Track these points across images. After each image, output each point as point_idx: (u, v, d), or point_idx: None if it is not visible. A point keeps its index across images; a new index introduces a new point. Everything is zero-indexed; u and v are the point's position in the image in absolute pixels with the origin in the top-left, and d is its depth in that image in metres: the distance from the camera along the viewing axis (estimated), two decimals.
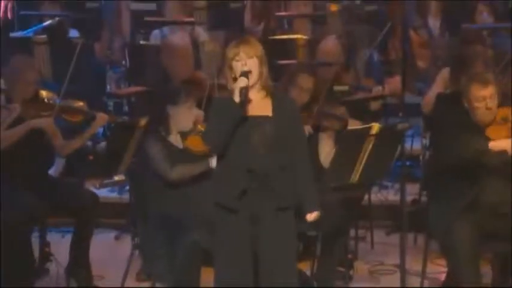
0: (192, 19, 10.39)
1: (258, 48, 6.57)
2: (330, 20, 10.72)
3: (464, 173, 7.56)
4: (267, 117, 6.54)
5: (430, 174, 8.24)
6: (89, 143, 9.14)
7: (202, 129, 7.40)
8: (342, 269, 8.25)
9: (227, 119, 6.49)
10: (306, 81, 8.04)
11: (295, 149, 6.68)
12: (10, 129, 8.06)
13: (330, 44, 9.69)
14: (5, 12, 11.21)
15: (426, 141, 8.82)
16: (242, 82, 6.35)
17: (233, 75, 6.48)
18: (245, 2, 11.03)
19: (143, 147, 7.92)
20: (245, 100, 6.40)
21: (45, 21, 10.44)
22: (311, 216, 6.67)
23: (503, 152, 7.38)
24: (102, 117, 8.81)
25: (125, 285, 7.86)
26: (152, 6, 11.14)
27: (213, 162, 7.04)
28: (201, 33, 10.27)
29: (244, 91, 6.36)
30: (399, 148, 8.23)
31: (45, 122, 8.20)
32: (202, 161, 7.63)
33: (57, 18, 10.47)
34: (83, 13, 10.72)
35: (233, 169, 6.57)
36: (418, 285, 7.85)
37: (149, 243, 7.94)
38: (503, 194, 7.49)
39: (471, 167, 7.51)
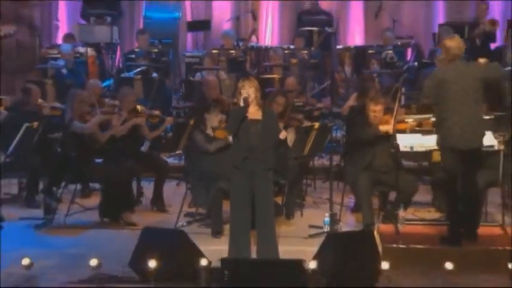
0: (218, 67, 10.33)
1: (255, 83, 6.63)
2: (291, 67, 10.64)
3: (362, 150, 7.57)
4: (259, 120, 6.56)
5: (345, 150, 8.23)
6: (163, 133, 9.08)
7: (224, 126, 7.41)
8: (298, 201, 8.24)
9: (237, 115, 6.54)
10: (280, 100, 8.02)
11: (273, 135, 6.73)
12: (122, 125, 8.08)
13: (291, 81, 9.67)
14: (118, 62, 11.13)
15: (343, 132, 8.78)
16: (244, 95, 6.47)
17: (242, 97, 6.52)
18: (246, 57, 10.92)
19: (192, 136, 7.91)
20: (246, 105, 6.48)
21: (139, 68, 10.36)
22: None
23: (385, 133, 7.46)
24: (169, 120, 8.84)
25: (182, 210, 7.82)
26: (196, 59, 11.07)
27: (230, 139, 6.99)
28: (223, 74, 10.21)
29: (246, 100, 6.45)
30: (329, 136, 8.23)
31: (141, 121, 8.19)
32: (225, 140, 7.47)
33: (145, 67, 10.41)
34: (159, 63, 10.63)
35: (240, 147, 6.59)
36: (339, 210, 7.80)
37: (195, 187, 7.95)
38: (385, 160, 7.51)
39: (366, 147, 7.53)
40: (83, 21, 11.24)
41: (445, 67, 6.92)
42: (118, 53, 11.45)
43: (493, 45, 11.08)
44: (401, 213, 7.33)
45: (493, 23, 10.90)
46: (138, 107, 8.53)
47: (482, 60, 8.79)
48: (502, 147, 7.28)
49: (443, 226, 7.10)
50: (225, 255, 6.61)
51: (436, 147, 7.23)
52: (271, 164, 6.72)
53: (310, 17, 11.44)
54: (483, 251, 6.83)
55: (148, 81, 9.98)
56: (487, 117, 7.14)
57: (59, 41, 11.38)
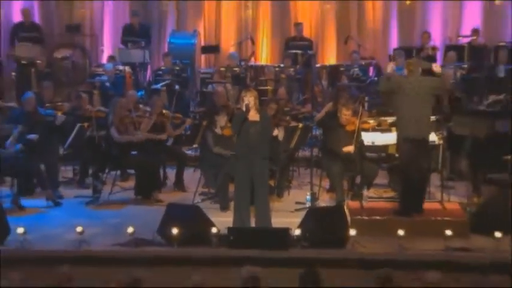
0: (225, 81, 10.23)
1: (254, 93, 6.63)
2: (281, 81, 10.52)
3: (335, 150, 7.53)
4: (257, 121, 6.51)
5: (322, 145, 8.10)
6: (183, 132, 8.99)
7: (229, 125, 7.38)
8: (286, 183, 8.18)
9: (240, 118, 6.50)
10: (273, 106, 7.95)
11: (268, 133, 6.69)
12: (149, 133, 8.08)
13: (281, 91, 9.57)
14: (149, 77, 11.06)
15: (320, 131, 8.67)
16: (246, 102, 6.41)
17: (244, 103, 6.48)
18: (247, 73, 10.81)
19: (204, 135, 7.86)
20: (247, 110, 6.45)
21: (165, 81, 10.31)
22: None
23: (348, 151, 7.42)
24: (188, 121, 8.76)
25: (197, 190, 7.83)
26: (208, 75, 10.96)
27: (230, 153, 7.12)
28: (229, 86, 10.06)
29: (247, 106, 6.41)
30: (310, 133, 8.23)
31: (163, 137, 8.25)
32: (229, 149, 7.35)
33: (169, 81, 10.37)
34: (180, 78, 10.54)
35: (242, 143, 6.54)
36: (317, 191, 7.75)
37: (207, 173, 7.93)
38: (352, 154, 7.48)
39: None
40: (122, 46, 11.20)
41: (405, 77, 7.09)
42: (148, 70, 11.41)
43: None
44: (365, 192, 7.35)
45: (434, 48, 10.89)
46: (164, 111, 8.51)
47: (436, 67, 8.82)
48: (441, 142, 7.30)
49: (397, 202, 7.11)
50: (231, 224, 6.61)
51: (391, 142, 7.26)
52: (266, 155, 6.67)
53: (295, 43, 11.37)
54: (427, 221, 6.85)
55: (172, 91, 9.94)
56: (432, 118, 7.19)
57: (104, 61, 11.34)
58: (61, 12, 11.43)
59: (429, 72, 8.79)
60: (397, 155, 7.23)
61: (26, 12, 10.82)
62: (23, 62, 10.39)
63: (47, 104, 8.69)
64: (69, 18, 11.37)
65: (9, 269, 5.36)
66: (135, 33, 11.12)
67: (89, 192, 7.98)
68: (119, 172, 8.42)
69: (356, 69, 10.65)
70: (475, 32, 10.78)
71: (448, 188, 7.57)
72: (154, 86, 10.41)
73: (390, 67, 10.36)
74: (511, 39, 10.92)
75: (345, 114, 7.56)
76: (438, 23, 11.39)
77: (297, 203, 7.66)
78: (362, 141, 7.48)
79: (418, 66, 6.99)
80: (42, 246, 6.46)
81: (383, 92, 7.23)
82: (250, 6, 11.62)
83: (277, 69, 10.92)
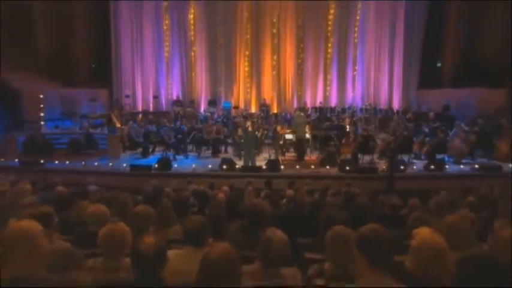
0: (240, 118, 9.57)
1: (250, 121, 6.57)
2: (258, 117, 9.67)
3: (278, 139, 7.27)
4: (251, 130, 6.38)
5: (272, 137, 7.62)
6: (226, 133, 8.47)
7: (241, 132, 7.06)
8: (260, 150, 7.76)
9: (245, 129, 6.27)
10: (256, 125, 7.65)
11: (255, 134, 6.53)
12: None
13: (259, 121, 8.94)
14: (216, 117, 10.31)
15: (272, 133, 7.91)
16: (247, 124, 6.15)
17: (247, 124, 6.33)
18: (248, 115, 10.16)
19: (234, 135, 7.57)
20: (248, 127, 6.22)
21: (221, 118, 9.77)
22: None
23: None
24: (227, 130, 8.23)
25: (231, 153, 7.53)
26: (235, 115, 10.25)
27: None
28: (242, 119, 9.24)
29: (248, 125, 6.18)
30: (268, 133, 7.89)
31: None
32: (241, 140, 6.84)
33: (222, 118, 9.91)
34: (226, 117, 9.74)
35: (246, 138, 6.37)
36: (271, 153, 7.37)
37: (234, 147, 7.64)
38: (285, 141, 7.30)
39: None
40: (208, 107, 10.80)
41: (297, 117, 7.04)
42: (216, 114, 11.07)
43: None
44: (286, 154, 7.26)
45: (308, 108, 10.42)
46: (223, 128, 8.32)
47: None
48: (310, 137, 7.32)
49: (296, 156, 7.01)
50: (242, 164, 6.51)
51: (294, 138, 7.31)
52: (253, 142, 6.58)
53: (263, 104, 10.75)
54: (305, 162, 6.70)
55: (223, 121, 9.58)
56: (307, 130, 7.24)
57: (201, 111, 10.93)
58: (188, 95, 11.18)
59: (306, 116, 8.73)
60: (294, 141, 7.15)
61: (178, 96, 10.60)
62: (176, 111, 10.14)
63: (182, 125, 8.69)
64: (190, 97, 11.19)
65: (170, 179, 5.27)
66: (211, 103, 10.99)
67: (196, 154, 7.75)
68: (205, 147, 8.14)
69: (283, 114, 10.53)
70: (320, 102, 10.85)
71: (313, 153, 7.48)
72: (217, 119, 10.28)
73: (296, 115, 10.02)
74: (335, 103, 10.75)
75: (279, 128, 7.52)
76: (309, 97, 11.26)
77: (264, 157, 7.43)
78: (285, 138, 7.46)
79: (300, 115, 6.97)
80: (181, 171, 6.35)
81: (294, 124, 7.22)
82: (249, 92, 11.41)
83: (257, 113, 10.78)
